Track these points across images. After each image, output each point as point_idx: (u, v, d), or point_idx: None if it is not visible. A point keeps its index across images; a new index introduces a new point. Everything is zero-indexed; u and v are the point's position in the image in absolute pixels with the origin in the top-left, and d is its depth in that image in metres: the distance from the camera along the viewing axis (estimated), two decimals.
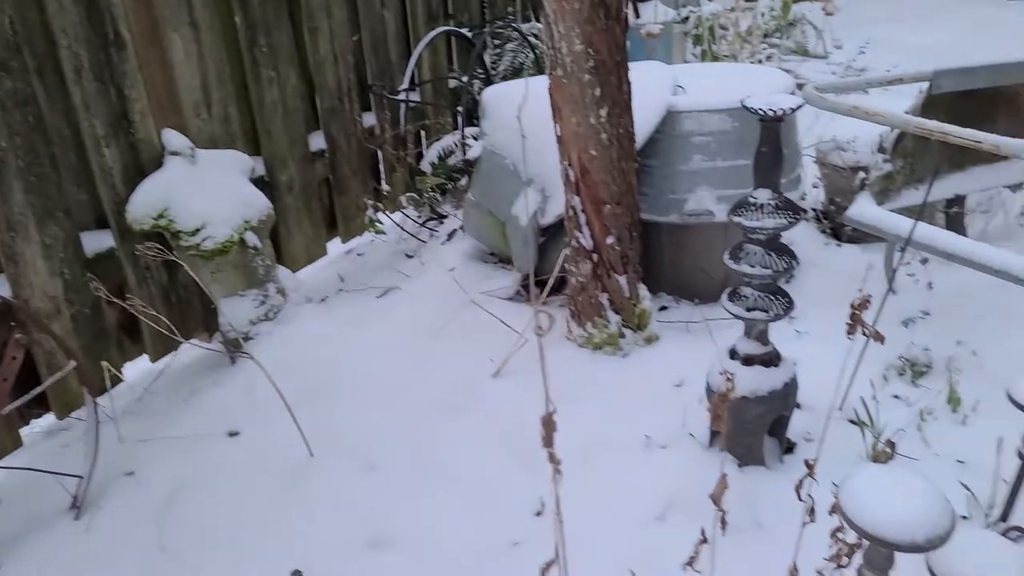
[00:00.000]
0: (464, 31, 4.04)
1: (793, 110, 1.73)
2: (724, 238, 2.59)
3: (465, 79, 3.89)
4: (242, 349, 2.52)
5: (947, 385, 2.24)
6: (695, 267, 2.85)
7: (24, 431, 2.38)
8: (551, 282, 2.78)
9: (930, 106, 2.53)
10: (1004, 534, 1.49)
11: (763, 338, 1.99)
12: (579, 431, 2.18)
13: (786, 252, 1.90)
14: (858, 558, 1.14)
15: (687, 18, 5.54)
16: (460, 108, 3.90)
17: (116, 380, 2.50)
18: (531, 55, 4.30)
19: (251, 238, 2.64)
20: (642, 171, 2.69)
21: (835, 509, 1.06)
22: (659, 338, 2.67)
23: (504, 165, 2.93)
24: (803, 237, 3.31)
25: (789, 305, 1.94)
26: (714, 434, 2.13)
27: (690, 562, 1.12)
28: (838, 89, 2.59)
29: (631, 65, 2.46)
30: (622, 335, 2.61)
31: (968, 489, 1.79)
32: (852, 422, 2.15)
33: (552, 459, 0.86)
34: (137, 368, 2.71)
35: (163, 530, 1.99)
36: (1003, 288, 2.37)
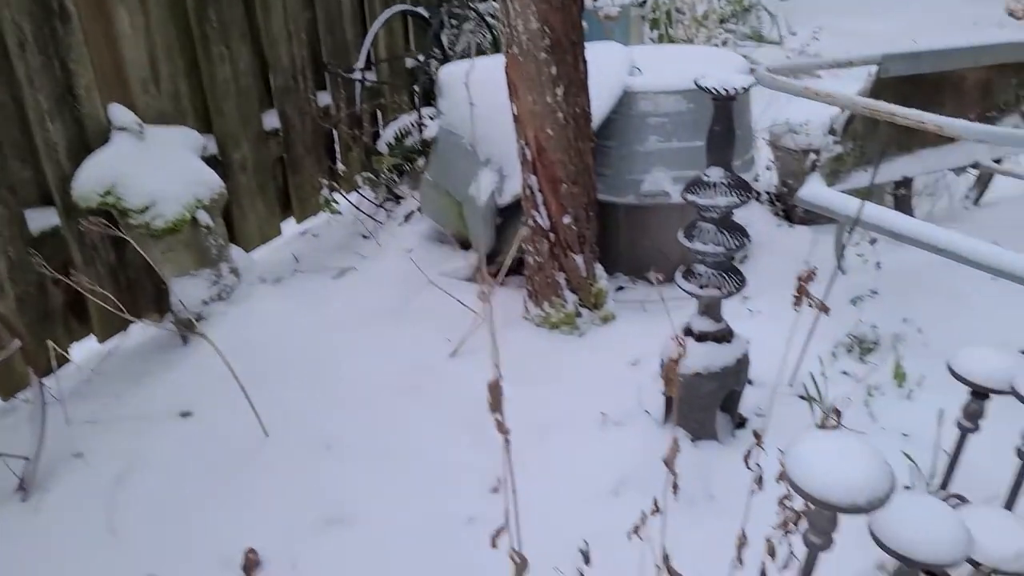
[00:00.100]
0: (421, 10, 4.00)
1: (745, 89, 1.75)
2: (680, 219, 2.60)
3: (422, 59, 3.86)
4: (195, 329, 2.48)
5: (893, 361, 2.30)
6: (652, 248, 2.88)
7: None
8: (508, 262, 2.78)
9: (879, 90, 2.58)
10: (944, 501, 1.54)
11: (716, 315, 2.02)
12: (535, 409, 2.20)
13: (738, 230, 1.92)
14: (805, 525, 1.17)
15: (645, 2, 5.56)
16: (417, 88, 3.87)
17: (63, 361, 2.45)
18: (489, 35, 4.27)
19: (203, 217, 2.59)
20: (599, 152, 2.71)
21: (782, 476, 1.08)
22: (616, 318, 2.70)
23: (461, 145, 2.92)
24: (756, 219, 3.36)
25: (741, 282, 1.97)
26: (668, 412, 2.16)
27: (635, 530, 1.14)
28: (790, 71, 2.62)
29: (588, 46, 2.46)
30: (579, 314, 2.63)
31: (911, 459, 1.84)
32: (802, 397, 2.20)
33: (500, 427, 0.86)
34: (85, 349, 2.66)
35: (113, 511, 1.96)
36: (948, 267, 2.44)
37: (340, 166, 3.65)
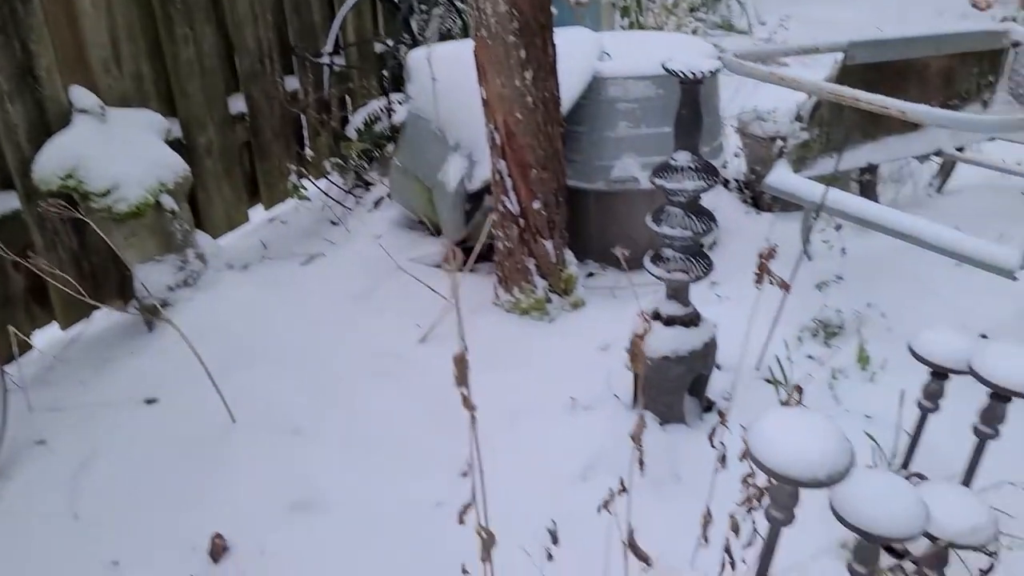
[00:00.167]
0: None
1: (711, 73, 1.76)
2: (650, 205, 2.61)
3: (391, 44, 3.83)
4: (160, 315, 2.44)
5: (857, 345, 2.33)
6: (622, 234, 2.88)
7: None
8: (478, 248, 2.78)
9: (844, 76, 2.61)
10: (906, 480, 1.57)
11: (684, 300, 2.03)
12: (505, 394, 2.20)
13: (705, 214, 1.94)
14: (767, 501, 1.19)
15: None
16: (386, 73, 3.84)
17: (25, 347, 2.40)
18: (459, 20, 4.25)
19: (167, 201, 2.55)
20: (569, 137, 2.71)
21: (745, 454, 1.09)
22: (585, 303, 2.71)
23: (430, 130, 2.90)
24: (725, 205, 3.39)
25: (708, 267, 1.98)
26: (637, 396, 2.17)
27: (604, 505, 1.15)
28: (757, 57, 2.64)
29: (558, 31, 2.46)
30: (549, 300, 2.63)
31: (874, 440, 1.88)
32: (768, 381, 2.23)
33: (466, 402, 0.86)
34: (48, 336, 2.61)
35: (77, 498, 1.93)
36: (911, 253, 2.49)
37: (308, 152, 3.61)
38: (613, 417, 2.15)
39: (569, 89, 2.59)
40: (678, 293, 2.02)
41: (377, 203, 3.48)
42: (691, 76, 1.76)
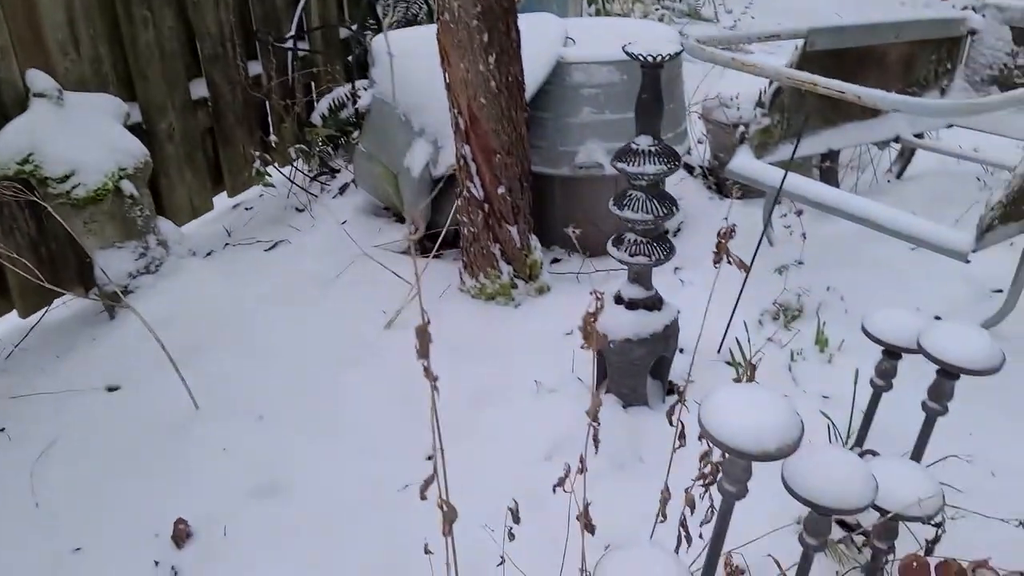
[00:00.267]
0: None
1: (672, 56, 1.78)
2: (615, 191, 2.64)
3: (356, 29, 3.80)
4: (121, 302, 2.42)
5: (816, 328, 2.38)
6: (587, 220, 2.91)
7: None
8: (443, 234, 2.78)
9: (805, 62, 2.65)
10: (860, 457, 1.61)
11: (646, 283, 2.06)
12: (471, 378, 2.22)
13: (667, 198, 1.96)
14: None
15: None
16: (351, 59, 3.81)
17: None
18: (424, 7, 4.23)
19: (127, 187, 2.52)
20: (534, 123, 2.72)
21: (703, 434, 1.12)
22: (550, 289, 2.73)
23: (395, 115, 2.89)
24: (690, 192, 3.42)
25: (670, 251, 2.01)
26: (601, 379, 2.19)
27: (560, 483, 1.17)
28: (719, 43, 2.67)
29: (522, 16, 2.46)
30: (514, 286, 2.64)
31: (830, 419, 1.92)
32: (728, 363, 2.26)
33: (427, 373, 0.87)
34: (6, 324, 2.57)
35: (38, 486, 1.91)
36: (870, 238, 2.54)
37: (273, 138, 3.58)
38: (577, 399, 2.17)
39: (533, 74, 2.60)
40: (640, 277, 2.04)
41: (342, 189, 3.46)
42: (651, 60, 1.78)
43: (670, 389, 2.23)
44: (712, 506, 1.33)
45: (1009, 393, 2.07)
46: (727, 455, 1.08)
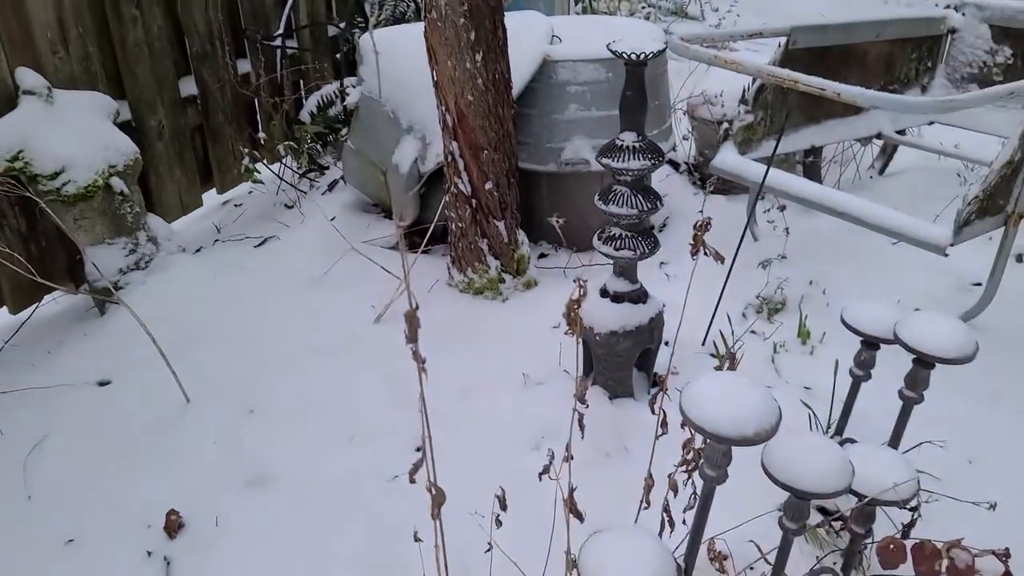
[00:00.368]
0: None
1: (655, 54, 1.81)
2: (600, 187, 2.68)
3: (344, 26, 3.82)
4: (112, 298, 2.43)
5: (798, 320, 2.42)
6: (573, 215, 2.94)
7: None
8: (432, 229, 2.81)
9: (788, 60, 2.69)
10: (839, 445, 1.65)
11: (631, 276, 2.09)
12: (460, 371, 2.25)
13: (652, 193, 1.99)
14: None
15: None
16: (339, 57, 3.83)
17: None
18: (412, 5, 4.25)
19: (117, 183, 2.53)
20: (521, 120, 2.75)
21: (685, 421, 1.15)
22: (538, 283, 2.76)
23: (384, 112, 2.91)
24: (675, 188, 3.46)
25: (654, 246, 2.04)
26: (588, 371, 2.23)
27: (545, 470, 1.20)
28: (703, 41, 2.70)
29: (509, 14, 2.49)
30: (502, 280, 2.68)
31: (811, 409, 1.96)
32: (712, 355, 2.30)
33: (415, 356, 0.90)
34: None
35: (30, 480, 1.93)
36: (852, 232, 2.58)
37: (262, 135, 3.60)
38: (564, 391, 2.20)
39: (520, 71, 2.63)
40: (625, 271, 2.08)
41: (331, 186, 3.48)
42: (635, 58, 1.81)
43: (655, 381, 2.27)
44: (695, 492, 1.37)
45: (985, 382, 2.12)
46: (707, 440, 1.12)
